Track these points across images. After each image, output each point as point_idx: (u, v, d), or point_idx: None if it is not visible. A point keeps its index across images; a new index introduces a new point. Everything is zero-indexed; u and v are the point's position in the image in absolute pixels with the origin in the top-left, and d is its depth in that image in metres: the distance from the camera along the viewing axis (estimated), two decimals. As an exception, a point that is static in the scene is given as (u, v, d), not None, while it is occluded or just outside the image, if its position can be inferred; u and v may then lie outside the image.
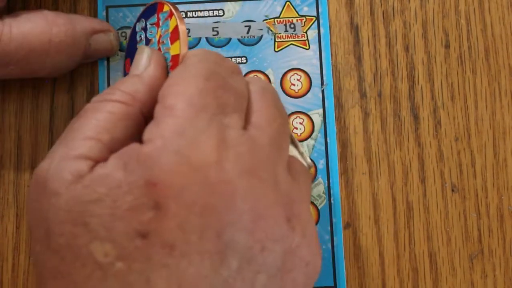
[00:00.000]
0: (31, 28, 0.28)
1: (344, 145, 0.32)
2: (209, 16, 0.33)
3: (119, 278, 0.20)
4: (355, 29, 0.33)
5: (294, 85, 0.32)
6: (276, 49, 0.33)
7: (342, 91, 0.32)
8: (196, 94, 0.22)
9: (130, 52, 0.30)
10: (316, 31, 0.33)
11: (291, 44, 0.33)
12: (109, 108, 0.23)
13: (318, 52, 0.33)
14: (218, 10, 0.33)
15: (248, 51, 0.33)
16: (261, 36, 0.33)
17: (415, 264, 0.31)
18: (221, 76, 0.24)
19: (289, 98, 0.32)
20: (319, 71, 0.33)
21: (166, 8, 0.27)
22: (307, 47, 0.33)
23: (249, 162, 0.22)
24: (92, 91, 0.32)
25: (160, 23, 0.27)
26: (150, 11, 0.28)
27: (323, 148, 0.32)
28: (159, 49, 0.27)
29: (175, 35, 0.26)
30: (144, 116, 0.24)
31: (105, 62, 0.33)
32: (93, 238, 0.20)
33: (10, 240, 0.31)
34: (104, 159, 0.22)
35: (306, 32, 0.33)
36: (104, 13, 0.33)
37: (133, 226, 0.20)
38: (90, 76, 0.33)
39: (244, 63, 0.33)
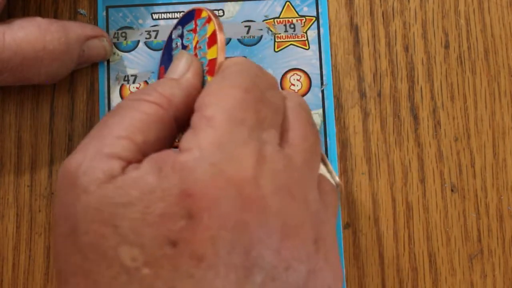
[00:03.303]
0: (25, 36, 0.28)
1: (343, 145, 0.32)
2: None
3: (144, 284, 0.20)
4: (355, 29, 0.33)
5: (294, 85, 0.33)
6: (276, 49, 0.33)
7: (342, 91, 0.33)
8: (236, 106, 0.22)
9: (164, 60, 0.30)
10: (316, 31, 0.33)
11: (291, 44, 0.33)
12: (145, 108, 0.23)
13: (318, 52, 0.33)
14: (218, 10, 0.33)
15: (248, 51, 0.33)
16: (261, 36, 0.33)
17: (415, 264, 0.31)
18: (260, 90, 0.23)
19: (289, 98, 0.32)
20: (319, 71, 0.33)
21: (204, 14, 0.27)
22: (307, 47, 0.33)
23: (284, 180, 0.22)
24: (92, 91, 0.32)
25: (198, 29, 0.27)
26: (187, 18, 0.28)
27: (323, 148, 0.32)
28: (196, 54, 0.27)
29: (212, 40, 0.26)
30: (176, 122, 0.24)
31: (105, 62, 0.33)
32: (122, 242, 0.20)
33: (10, 240, 0.31)
34: (136, 160, 0.22)
35: (306, 32, 0.33)
36: (104, 13, 0.33)
37: (163, 233, 0.20)
38: (90, 76, 0.33)
39: (244, 63, 0.33)
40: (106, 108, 0.32)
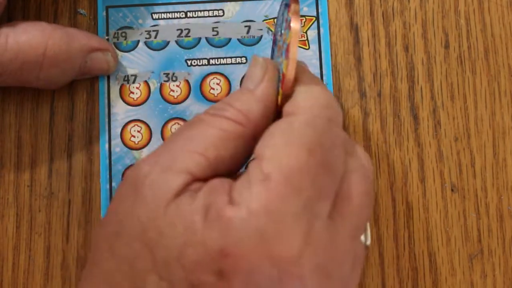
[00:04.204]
0: (27, 39, 0.28)
1: (343, 145, 0.32)
2: (209, 16, 0.33)
3: None
4: (355, 29, 0.33)
5: (294, 85, 0.32)
6: (276, 49, 0.33)
7: (342, 91, 0.33)
8: (295, 170, 0.21)
9: (275, 30, 0.29)
10: (316, 31, 0.33)
11: (291, 44, 0.33)
12: (222, 125, 0.23)
13: (318, 52, 0.33)
14: (218, 10, 0.33)
15: (248, 51, 0.33)
16: (261, 36, 0.33)
17: (415, 264, 0.31)
18: (324, 150, 0.22)
19: (289, 98, 0.32)
20: (319, 71, 0.33)
21: (290, 13, 0.24)
22: (307, 47, 0.33)
23: (325, 259, 0.21)
24: (92, 91, 0.32)
25: (284, 25, 0.25)
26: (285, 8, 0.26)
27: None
28: (280, 54, 0.25)
29: (288, 50, 0.24)
30: (254, 139, 0.23)
31: (105, 62, 0.33)
32: (153, 270, 0.20)
33: (10, 240, 0.31)
34: (205, 178, 0.22)
35: (306, 32, 0.33)
36: (104, 13, 0.33)
37: (192, 280, 0.20)
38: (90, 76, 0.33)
39: (244, 63, 0.33)
40: (106, 108, 0.32)
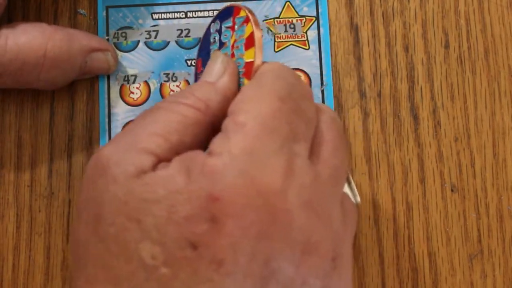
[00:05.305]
0: (27, 40, 0.28)
1: (343, 145, 0.32)
2: (209, 16, 0.33)
3: (161, 283, 0.20)
4: (355, 29, 0.33)
5: (294, 85, 0.32)
6: (276, 50, 0.33)
7: (342, 91, 0.33)
8: (269, 115, 0.22)
9: (202, 52, 0.30)
10: (316, 31, 0.33)
11: (291, 44, 0.33)
12: (183, 111, 0.23)
13: (318, 52, 0.33)
14: (218, 10, 0.33)
15: (248, 51, 0.33)
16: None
17: (415, 264, 0.31)
18: (295, 100, 0.23)
19: (289, 98, 0.32)
20: (318, 71, 0.33)
21: (243, 13, 0.27)
22: (307, 47, 0.33)
23: (310, 196, 0.22)
24: (92, 91, 0.32)
25: (236, 27, 0.27)
26: (225, 14, 0.28)
27: (323, 148, 0.32)
28: (233, 54, 0.27)
29: (250, 42, 0.26)
30: (213, 127, 0.24)
31: (105, 62, 0.33)
32: (144, 238, 0.20)
33: (10, 240, 0.31)
34: (168, 159, 0.22)
35: (306, 32, 0.33)
36: (104, 13, 0.33)
37: (185, 235, 0.20)
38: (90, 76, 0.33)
39: (244, 63, 0.33)
40: (106, 108, 0.32)
